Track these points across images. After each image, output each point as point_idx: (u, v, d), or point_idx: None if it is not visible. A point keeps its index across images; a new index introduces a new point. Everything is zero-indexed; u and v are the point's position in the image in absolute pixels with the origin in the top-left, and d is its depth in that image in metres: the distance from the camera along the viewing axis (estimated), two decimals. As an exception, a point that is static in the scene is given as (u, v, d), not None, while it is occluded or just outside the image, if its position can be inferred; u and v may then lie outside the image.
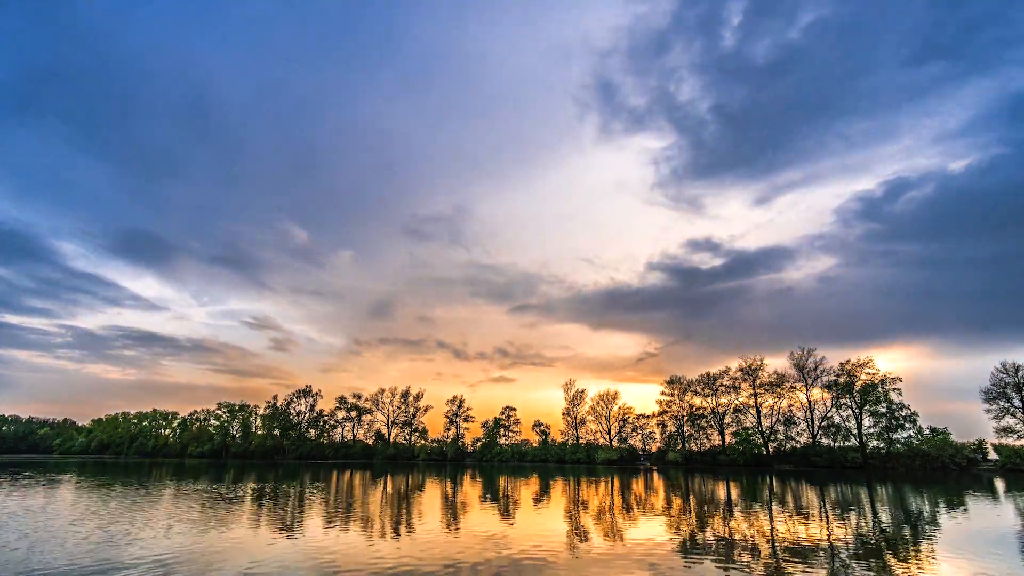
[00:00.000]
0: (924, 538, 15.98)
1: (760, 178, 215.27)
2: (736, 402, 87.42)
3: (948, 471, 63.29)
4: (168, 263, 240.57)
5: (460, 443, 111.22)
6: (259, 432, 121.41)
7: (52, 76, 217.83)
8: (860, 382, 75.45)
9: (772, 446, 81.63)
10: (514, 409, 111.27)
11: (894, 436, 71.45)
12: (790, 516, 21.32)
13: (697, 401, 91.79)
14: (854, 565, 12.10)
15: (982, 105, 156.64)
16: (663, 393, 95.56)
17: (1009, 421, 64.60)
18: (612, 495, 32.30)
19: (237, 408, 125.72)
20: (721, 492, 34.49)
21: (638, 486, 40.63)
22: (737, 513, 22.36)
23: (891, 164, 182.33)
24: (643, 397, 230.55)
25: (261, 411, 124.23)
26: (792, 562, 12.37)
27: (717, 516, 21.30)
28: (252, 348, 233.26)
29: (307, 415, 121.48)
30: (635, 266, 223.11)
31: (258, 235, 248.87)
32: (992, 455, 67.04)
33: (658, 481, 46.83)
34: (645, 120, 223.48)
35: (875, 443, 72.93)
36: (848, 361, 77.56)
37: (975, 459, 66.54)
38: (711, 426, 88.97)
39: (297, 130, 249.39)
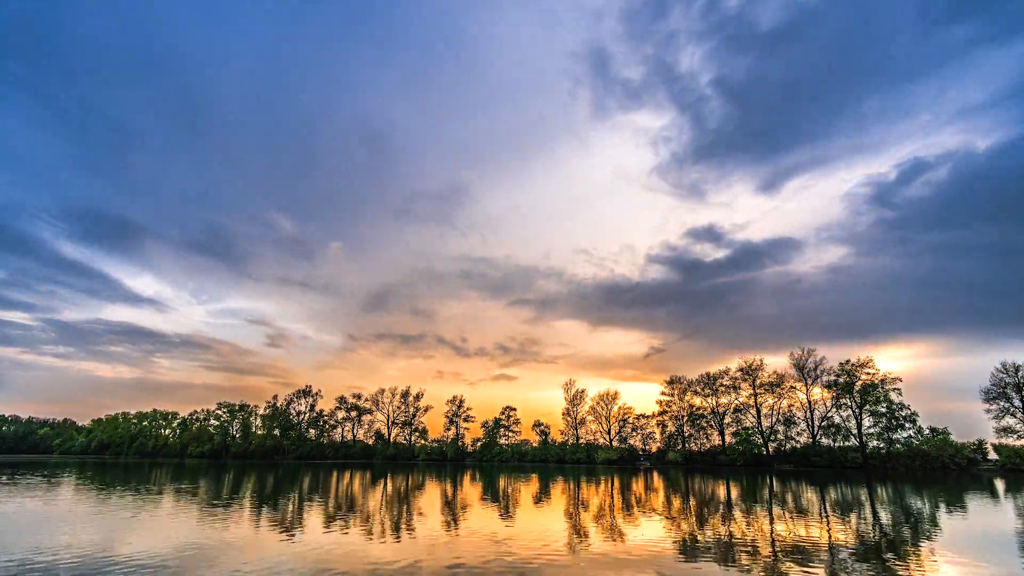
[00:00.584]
0: (924, 538, 15.97)
1: (765, 160, 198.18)
2: (736, 402, 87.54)
3: (948, 471, 63.30)
4: (141, 250, 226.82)
5: (460, 443, 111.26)
6: (259, 432, 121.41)
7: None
8: (860, 382, 75.47)
9: (772, 446, 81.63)
10: (514, 409, 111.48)
11: (894, 436, 71.51)
12: (790, 516, 21.32)
13: (697, 401, 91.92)
14: (854, 565, 12.09)
15: (1014, 73, 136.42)
16: (663, 393, 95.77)
17: (1009, 421, 64.67)
18: (612, 495, 32.29)
19: (237, 408, 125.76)
20: (721, 492, 34.48)
21: (638, 486, 40.61)
22: (737, 514, 22.35)
23: (907, 144, 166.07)
24: (646, 396, 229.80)
25: (261, 411, 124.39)
26: (792, 562, 12.37)
27: (717, 517, 21.29)
28: (246, 344, 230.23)
29: (307, 415, 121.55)
30: (635, 258, 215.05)
31: (242, 224, 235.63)
32: (992, 455, 67.05)
33: (658, 481, 46.82)
34: (641, 96, 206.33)
35: (875, 443, 72.98)
36: (848, 361, 77.67)
37: (975, 459, 66.53)
38: (711, 426, 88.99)
39: (283, 111, 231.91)
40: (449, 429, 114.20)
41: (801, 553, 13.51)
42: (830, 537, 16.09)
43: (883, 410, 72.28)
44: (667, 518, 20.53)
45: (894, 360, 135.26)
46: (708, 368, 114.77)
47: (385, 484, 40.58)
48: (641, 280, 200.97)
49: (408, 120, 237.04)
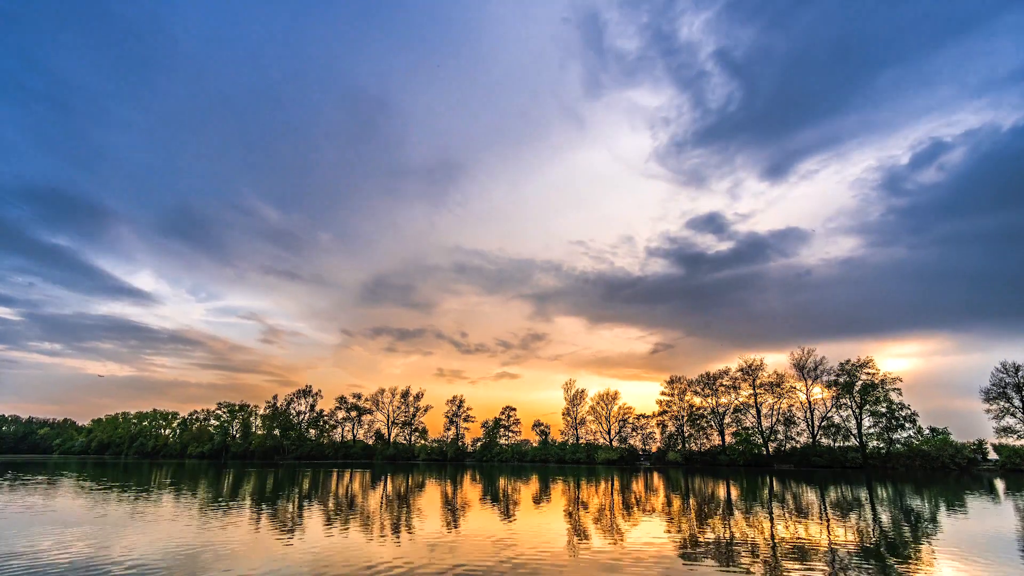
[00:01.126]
0: (924, 538, 15.97)
1: (770, 142, 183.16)
2: (736, 402, 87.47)
3: (948, 471, 63.28)
4: (114, 237, 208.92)
5: (460, 443, 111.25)
6: (259, 432, 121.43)
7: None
8: (860, 382, 75.47)
9: (772, 446, 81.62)
10: (514, 409, 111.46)
11: (894, 436, 71.49)
12: (790, 516, 21.31)
13: (697, 401, 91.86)
14: (854, 565, 12.09)
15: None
16: (663, 393, 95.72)
17: (1009, 421, 64.65)
18: (612, 496, 32.29)
19: (237, 408, 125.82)
20: (721, 492, 34.48)
21: (638, 486, 40.61)
22: (737, 514, 22.35)
23: (924, 121, 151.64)
24: (648, 395, 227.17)
25: (261, 411, 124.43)
26: (792, 563, 12.36)
27: (717, 517, 21.29)
28: (239, 341, 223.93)
29: (307, 415, 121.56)
30: (634, 250, 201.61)
31: (222, 211, 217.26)
32: (992, 455, 67.04)
33: (658, 481, 46.81)
34: (637, 71, 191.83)
35: (875, 443, 72.95)
36: (848, 361, 77.58)
37: (975, 459, 66.53)
38: (711, 426, 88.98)
39: (258, 80, 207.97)
40: (449, 429, 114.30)
41: (801, 554, 13.51)
42: (830, 538, 16.09)
43: (883, 410, 72.27)
44: (667, 518, 20.53)
45: (904, 357, 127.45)
46: (714, 366, 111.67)
47: (385, 484, 40.58)
48: (642, 275, 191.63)
49: (392, 87, 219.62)
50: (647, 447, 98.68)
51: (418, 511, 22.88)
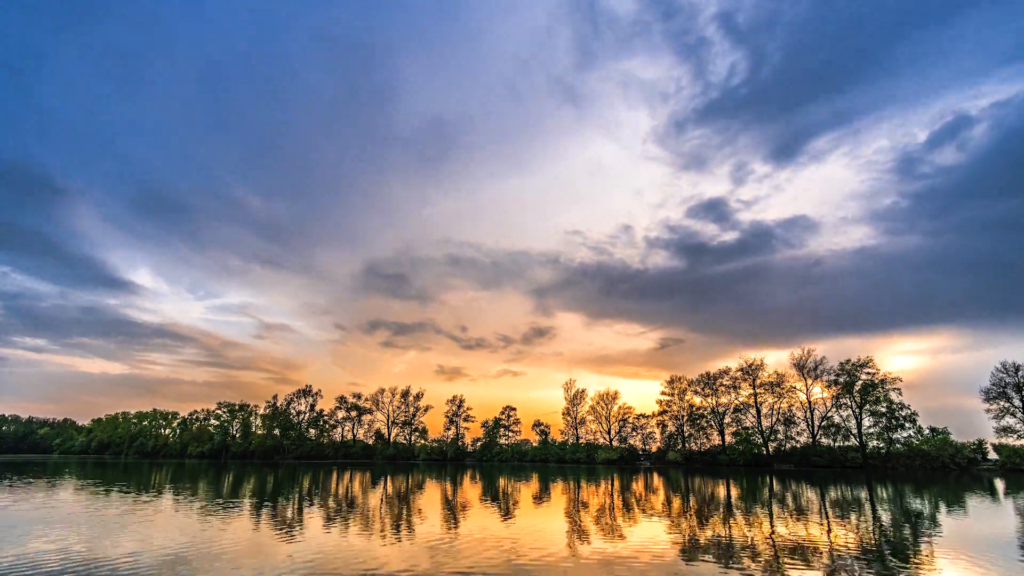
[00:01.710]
0: (924, 538, 15.97)
1: (777, 118, 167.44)
2: (736, 402, 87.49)
3: (948, 471, 63.29)
4: (78, 219, 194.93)
5: (460, 443, 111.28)
6: (259, 432, 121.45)
7: None
8: (860, 382, 75.47)
9: (772, 446, 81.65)
10: (514, 409, 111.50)
11: (894, 436, 71.52)
12: (790, 517, 21.31)
13: (697, 401, 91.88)
14: (854, 565, 12.09)
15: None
16: (663, 393, 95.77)
17: (1009, 421, 64.66)
18: (612, 496, 32.29)
19: (237, 408, 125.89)
20: (721, 492, 34.47)
21: (638, 486, 40.61)
22: (737, 514, 22.34)
23: (944, 95, 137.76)
24: (648, 394, 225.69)
25: (261, 410, 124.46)
26: (792, 563, 12.36)
27: (717, 517, 21.29)
28: (232, 337, 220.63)
29: (307, 415, 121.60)
30: (634, 240, 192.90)
31: (202, 199, 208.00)
32: (992, 455, 67.05)
33: (658, 481, 46.81)
34: (633, 38, 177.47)
35: (875, 443, 72.98)
36: (848, 360, 77.57)
37: (975, 459, 66.54)
38: (711, 426, 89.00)
39: (226, 43, 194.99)
40: (449, 429, 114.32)
41: (801, 554, 13.51)
42: (830, 538, 16.08)
43: (883, 410, 72.29)
44: (667, 519, 20.53)
45: (912, 354, 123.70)
46: (717, 364, 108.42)
47: (385, 484, 40.58)
48: (642, 267, 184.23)
49: (377, 43, 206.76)
50: (647, 447, 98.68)
51: (418, 511, 22.88)
